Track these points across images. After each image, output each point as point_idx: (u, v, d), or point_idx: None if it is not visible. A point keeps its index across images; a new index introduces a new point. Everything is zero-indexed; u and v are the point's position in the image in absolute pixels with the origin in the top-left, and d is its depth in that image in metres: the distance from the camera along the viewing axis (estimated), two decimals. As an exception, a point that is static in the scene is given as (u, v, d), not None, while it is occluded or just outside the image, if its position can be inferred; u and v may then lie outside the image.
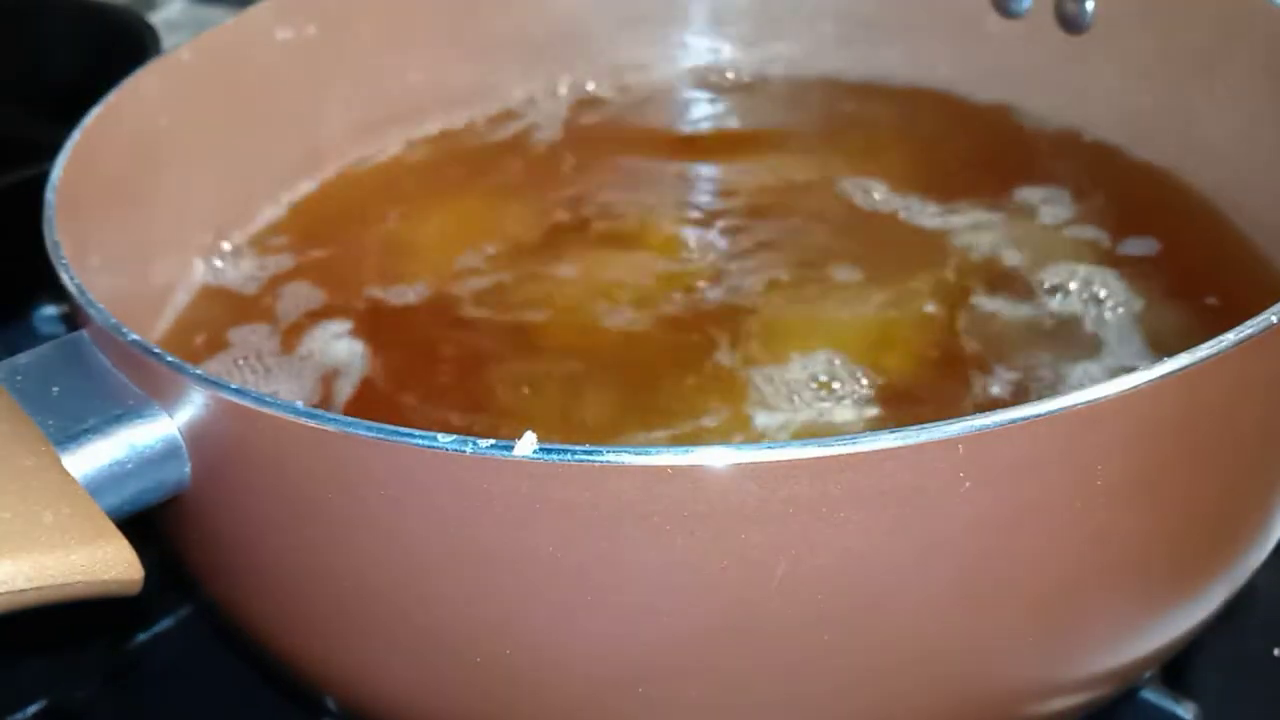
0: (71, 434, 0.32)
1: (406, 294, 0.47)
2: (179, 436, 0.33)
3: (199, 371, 0.32)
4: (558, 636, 0.31)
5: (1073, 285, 0.45)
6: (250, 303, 0.47)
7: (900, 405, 0.41)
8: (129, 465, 0.32)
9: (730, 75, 0.59)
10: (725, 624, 0.30)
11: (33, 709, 0.43)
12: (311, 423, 0.30)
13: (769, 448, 0.28)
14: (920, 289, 0.46)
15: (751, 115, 0.57)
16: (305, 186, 0.53)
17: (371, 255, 0.49)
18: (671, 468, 0.28)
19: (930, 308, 0.45)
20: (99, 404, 0.33)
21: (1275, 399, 0.33)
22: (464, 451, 0.29)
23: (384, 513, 0.30)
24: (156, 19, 0.76)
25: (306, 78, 0.53)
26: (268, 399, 0.31)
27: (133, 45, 0.61)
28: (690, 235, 0.50)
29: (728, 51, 0.60)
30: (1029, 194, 0.50)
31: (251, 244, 0.50)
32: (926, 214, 0.49)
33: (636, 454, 0.28)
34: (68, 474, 0.32)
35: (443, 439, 0.29)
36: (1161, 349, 0.42)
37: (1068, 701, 0.35)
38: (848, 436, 0.28)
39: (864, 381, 0.41)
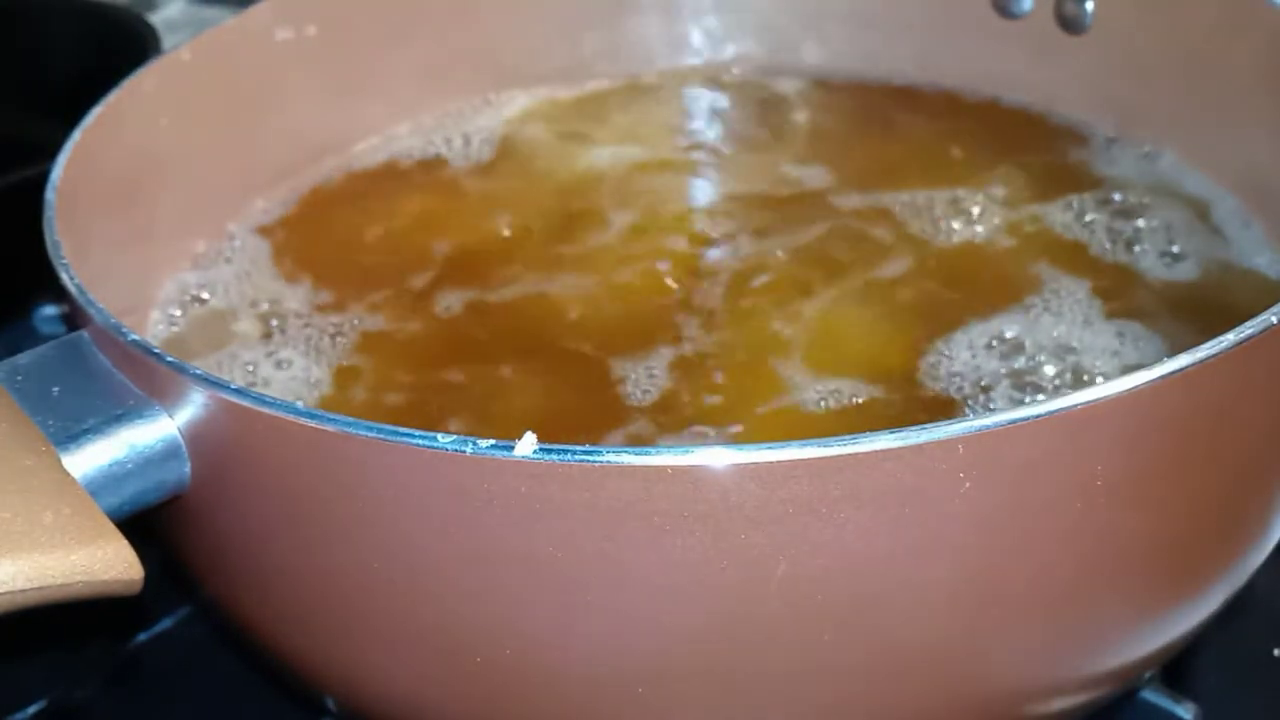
0: (71, 434, 0.32)
1: (406, 292, 0.47)
2: (179, 436, 0.33)
3: (199, 371, 0.32)
4: (557, 637, 0.31)
5: (1073, 283, 0.45)
6: (250, 301, 0.47)
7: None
8: (129, 465, 0.32)
9: (732, 74, 0.59)
10: (725, 624, 0.30)
11: (33, 709, 0.43)
12: (311, 423, 0.30)
13: (769, 448, 0.28)
14: (921, 289, 0.46)
15: (753, 114, 0.57)
16: (305, 186, 0.53)
17: (371, 254, 0.49)
18: (671, 468, 0.28)
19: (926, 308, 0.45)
20: (99, 404, 0.33)
21: (1275, 399, 0.33)
22: (464, 451, 0.29)
23: (383, 513, 0.30)
24: (156, 19, 0.76)
25: (306, 78, 0.53)
26: (268, 399, 0.31)
27: (133, 45, 0.61)
28: (692, 234, 0.50)
29: (729, 50, 0.60)
30: (1028, 192, 0.50)
31: (251, 243, 0.50)
32: (924, 211, 0.49)
33: (636, 454, 0.28)
34: (68, 474, 0.32)
35: (443, 439, 0.29)
36: (1160, 348, 0.42)
37: (1068, 701, 0.35)
38: (848, 436, 0.28)
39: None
